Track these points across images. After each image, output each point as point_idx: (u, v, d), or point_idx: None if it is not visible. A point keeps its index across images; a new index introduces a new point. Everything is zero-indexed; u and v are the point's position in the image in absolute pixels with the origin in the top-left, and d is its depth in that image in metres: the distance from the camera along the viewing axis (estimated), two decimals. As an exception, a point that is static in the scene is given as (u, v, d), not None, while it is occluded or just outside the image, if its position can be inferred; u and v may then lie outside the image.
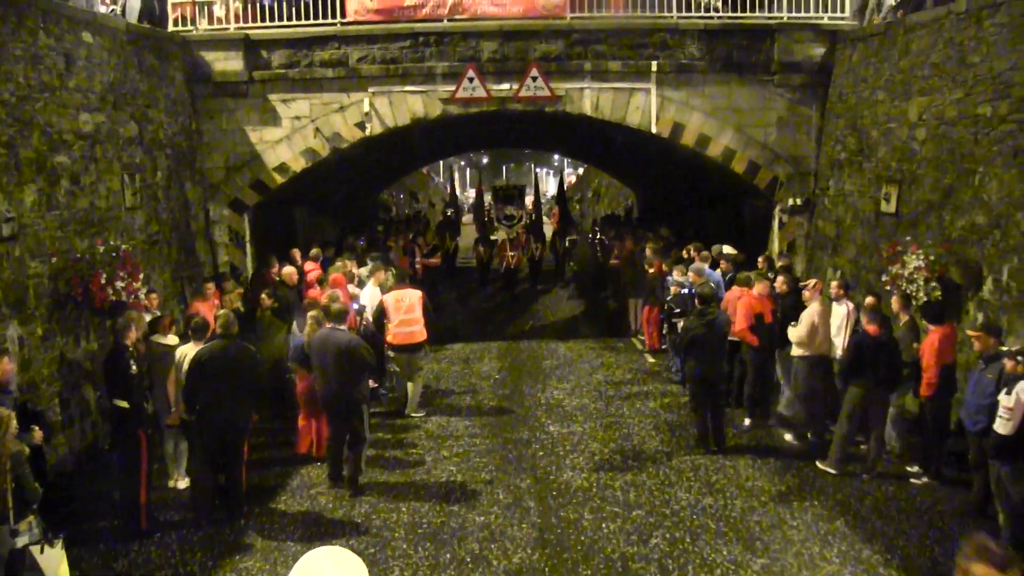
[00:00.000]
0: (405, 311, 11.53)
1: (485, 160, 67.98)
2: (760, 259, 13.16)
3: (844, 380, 9.45)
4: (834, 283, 10.67)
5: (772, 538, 7.93)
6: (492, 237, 23.30)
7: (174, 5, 14.59)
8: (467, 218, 35.17)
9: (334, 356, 8.96)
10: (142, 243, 11.92)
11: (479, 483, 9.39)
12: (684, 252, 14.57)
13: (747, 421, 11.13)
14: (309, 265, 13.92)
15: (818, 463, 9.55)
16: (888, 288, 10.56)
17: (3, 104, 9.14)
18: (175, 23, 14.58)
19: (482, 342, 16.28)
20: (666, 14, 14.55)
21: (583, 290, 21.52)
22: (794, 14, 14.45)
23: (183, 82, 14.09)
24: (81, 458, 9.75)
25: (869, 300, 9.89)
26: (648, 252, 15.13)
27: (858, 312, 10.02)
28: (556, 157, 60.17)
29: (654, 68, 14.44)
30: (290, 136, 14.73)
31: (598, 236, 22.69)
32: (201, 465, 8.59)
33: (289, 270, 12.86)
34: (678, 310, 12.62)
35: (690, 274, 12.60)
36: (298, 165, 14.81)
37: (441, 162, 53.40)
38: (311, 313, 9.98)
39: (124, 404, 8.00)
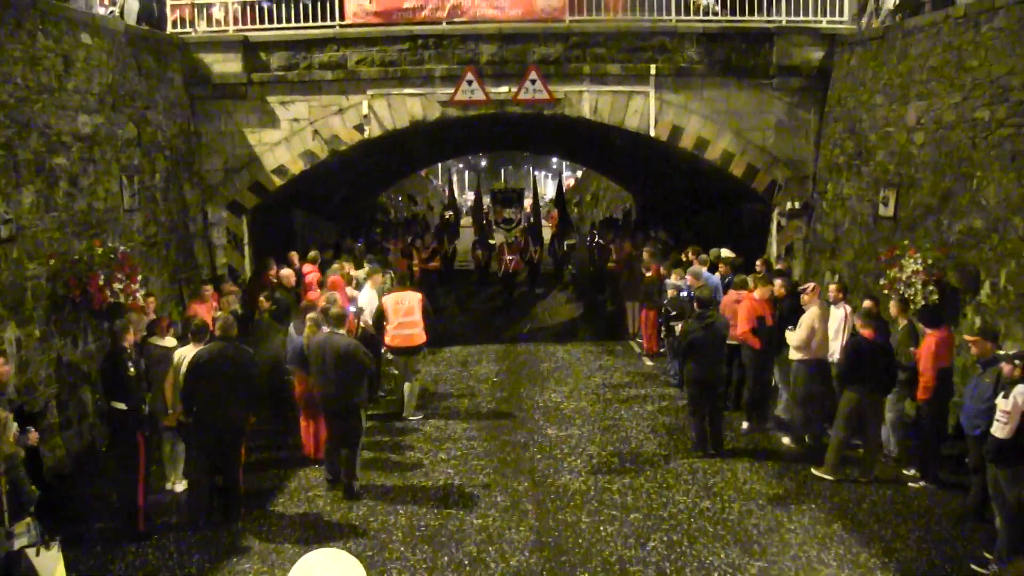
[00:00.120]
0: (404, 313, 11.53)
1: (484, 163, 68.07)
2: (758, 262, 13.16)
3: (840, 384, 9.46)
4: (832, 286, 10.67)
5: (770, 541, 7.92)
6: (491, 241, 23.32)
7: (173, 7, 14.61)
8: (465, 220, 35.21)
9: (333, 360, 8.95)
10: (140, 245, 11.91)
11: (477, 486, 9.39)
12: (682, 256, 14.58)
13: (745, 424, 11.14)
14: (307, 267, 13.93)
15: (813, 470, 9.50)
16: (886, 292, 10.56)
17: (1, 105, 9.14)
18: (174, 25, 14.60)
19: (480, 345, 16.27)
20: (665, 17, 14.59)
21: (581, 293, 21.52)
22: (793, 18, 14.49)
23: (182, 84, 14.09)
24: (79, 460, 9.73)
25: (867, 303, 9.91)
26: (645, 256, 15.15)
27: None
28: (554, 160, 60.28)
29: (653, 71, 14.46)
30: (289, 138, 14.74)
31: (596, 239, 22.70)
32: (199, 467, 8.57)
33: (287, 272, 12.86)
34: (675, 313, 12.62)
35: (688, 277, 12.62)
36: (296, 167, 14.82)
37: (440, 165, 53.44)
38: (310, 315, 9.98)
39: (122, 406, 7.98)
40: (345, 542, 7.97)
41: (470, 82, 14.42)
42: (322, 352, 9.08)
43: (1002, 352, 7.73)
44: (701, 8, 15.06)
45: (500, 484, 9.41)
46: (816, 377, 10.20)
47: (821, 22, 14.43)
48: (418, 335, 11.59)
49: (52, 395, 9.46)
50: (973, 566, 7.39)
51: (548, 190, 56.43)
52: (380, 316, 11.78)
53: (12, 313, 8.89)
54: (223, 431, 8.39)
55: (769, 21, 14.61)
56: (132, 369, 8.08)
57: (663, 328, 13.80)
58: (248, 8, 14.81)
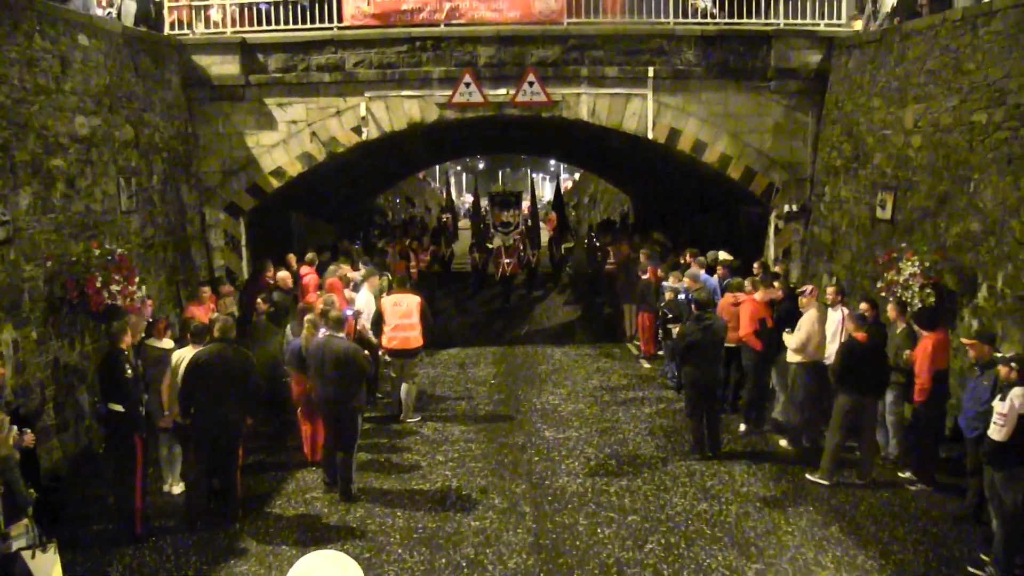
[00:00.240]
0: (401, 315, 11.52)
1: (481, 165, 68.07)
2: (755, 265, 13.18)
3: (835, 386, 9.46)
4: (830, 289, 10.69)
5: (767, 543, 7.93)
6: (489, 244, 23.27)
7: (170, 8, 14.60)
8: (463, 223, 35.16)
9: (333, 363, 8.95)
10: (138, 247, 11.90)
11: (474, 488, 9.38)
12: (680, 258, 14.58)
13: (742, 426, 11.14)
14: (304, 269, 13.91)
15: (808, 475, 9.48)
16: (883, 294, 10.58)
17: (-1, 107, 9.14)
18: (171, 26, 14.58)
19: (478, 347, 16.27)
20: (663, 20, 14.60)
21: (579, 295, 21.52)
22: (791, 21, 14.53)
23: (179, 86, 14.08)
24: (75, 462, 9.72)
25: (863, 306, 9.92)
26: (642, 258, 15.16)
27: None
28: (552, 162, 60.27)
29: (651, 74, 14.47)
30: (286, 140, 14.73)
31: (594, 241, 22.69)
32: (196, 469, 8.56)
33: (284, 274, 12.85)
34: (672, 316, 12.63)
35: (686, 280, 12.62)
36: (294, 169, 14.81)
37: (437, 167, 53.41)
38: (308, 317, 9.99)
39: (119, 408, 7.97)
40: (343, 544, 7.97)
41: (468, 84, 14.42)
42: (321, 355, 9.08)
43: (1000, 355, 7.74)
44: (699, 11, 15.08)
45: (498, 486, 9.41)
46: (814, 379, 10.21)
47: (819, 25, 14.46)
48: (414, 338, 11.57)
49: (49, 397, 9.44)
50: (970, 568, 7.41)
51: (546, 192, 56.40)
52: (378, 319, 11.77)
53: (9, 315, 8.88)
54: (221, 433, 8.39)
55: (767, 24, 14.63)
56: (129, 371, 8.07)
57: (660, 331, 13.81)
58: (246, 10, 14.81)
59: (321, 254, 15.41)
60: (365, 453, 10.18)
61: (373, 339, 11.68)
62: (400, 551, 7.88)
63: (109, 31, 11.81)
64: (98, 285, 9.87)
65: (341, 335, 9.38)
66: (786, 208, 14.77)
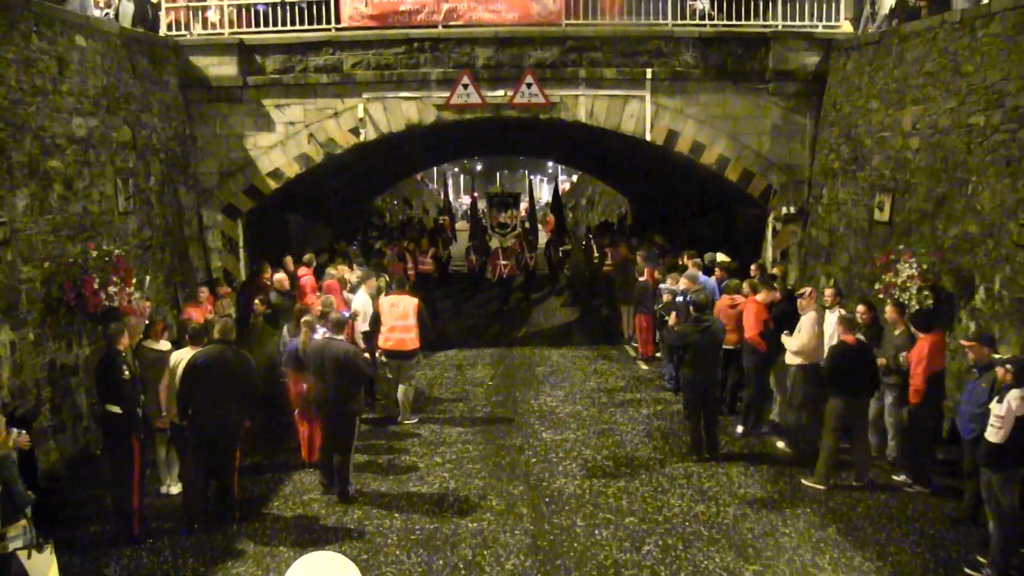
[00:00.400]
0: (398, 317, 11.52)
1: (479, 167, 68.02)
2: (753, 267, 13.18)
3: (826, 389, 9.45)
4: (828, 291, 10.69)
5: (764, 545, 7.93)
6: (487, 245, 23.26)
7: (168, 10, 14.57)
8: (461, 225, 35.17)
9: (332, 365, 8.94)
10: (135, 248, 11.88)
11: (472, 489, 9.38)
12: (678, 260, 14.58)
13: (740, 428, 11.13)
14: (302, 271, 13.91)
15: (804, 480, 9.46)
16: (881, 296, 10.58)
17: (-4, 107, 9.13)
18: (169, 27, 14.56)
19: (475, 348, 16.26)
20: (661, 21, 14.61)
21: (576, 297, 21.52)
22: (789, 22, 14.53)
23: (177, 87, 14.07)
24: (73, 463, 9.70)
25: (860, 308, 9.92)
26: (639, 260, 15.16)
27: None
28: (550, 164, 60.28)
29: (649, 75, 14.48)
30: (284, 141, 14.73)
31: (592, 243, 22.69)
32: (194, 471, 8.55)
33: (281, 276, 12.84)
34: (667, 317, 12.61)
35: (683, 281, 12.61)
36: (292, 171, 14.81)
37: (435, 169, 53.41)
38: (305, 319, 9.97)
39: (117, 409, 7.96)
40: (340, 545, 7.96)
41: (466, 86, 14.41)
42: (320, 357, 9.07)
43: (998, 357, 7.75)
44: (697, 12, 15.09)
45: (495, 488, 9.40)
46: (812, 381, 10.20)
47: (817, 27, 14.47)
48: (410, 340, 11.56)
49: (46, 398, 9.43)
50: (967, 570, 7.41)
51: (544, 194, 56.40)
52: (377, 320, 11.76)
53: (6, 316, 8.87)
54: (219, 434, 8.37)
55: (765, 26, 14.64)
56: (127, 373, 8.06)
57: (657, 332, 13.79)
58: (243, 11, 14.79)
59: (319, 256, 15.40)
60: (362, 455, 10.17)
61: (362, 343, 11.59)
62: (397, 552, 7.87)
63: (106, 32, 11.80)
64: (95, 287, 9.85)
65: (341, 337, 9.37)
66: (784, 210, 14.78)
